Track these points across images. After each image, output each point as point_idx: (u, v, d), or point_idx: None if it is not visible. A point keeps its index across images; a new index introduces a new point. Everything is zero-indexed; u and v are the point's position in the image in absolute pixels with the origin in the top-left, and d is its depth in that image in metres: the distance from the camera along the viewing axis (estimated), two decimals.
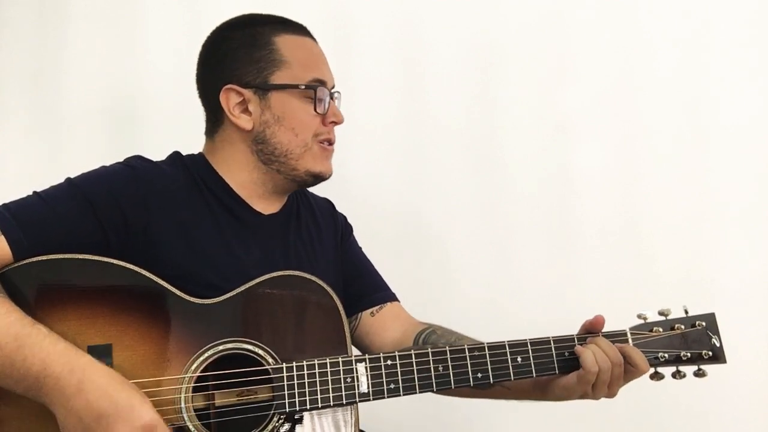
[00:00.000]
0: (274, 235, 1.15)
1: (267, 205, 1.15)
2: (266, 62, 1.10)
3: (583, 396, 1.01)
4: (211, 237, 1.07)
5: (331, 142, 1.15)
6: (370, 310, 1.21)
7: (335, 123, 1.15)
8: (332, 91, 1.16)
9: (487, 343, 1.02)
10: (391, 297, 1.24)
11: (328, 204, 1.30)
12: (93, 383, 0.85)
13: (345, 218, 1.30)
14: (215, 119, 1.14)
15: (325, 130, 1.13)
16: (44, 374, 0.85)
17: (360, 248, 1.30)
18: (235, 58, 1.11)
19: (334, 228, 1.25)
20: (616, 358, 0.99)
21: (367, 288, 1.23)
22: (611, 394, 1.01)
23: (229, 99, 1.10)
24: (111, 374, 0.87)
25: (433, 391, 0.99)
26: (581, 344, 1.02)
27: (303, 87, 1.10)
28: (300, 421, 0.96)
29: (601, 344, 1.00)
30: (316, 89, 1.10)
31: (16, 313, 0.88)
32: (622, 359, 0.99)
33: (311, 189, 1.26)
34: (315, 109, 1.10)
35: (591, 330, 1.04)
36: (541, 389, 1.06)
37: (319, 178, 1.14)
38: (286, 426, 0.95)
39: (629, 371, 1.00)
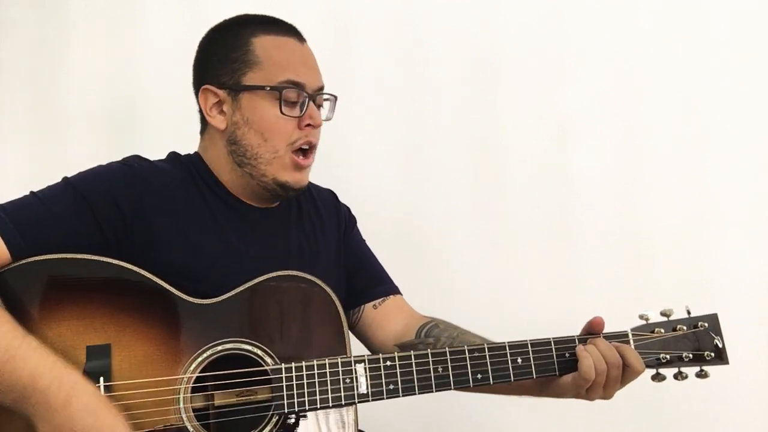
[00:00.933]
0: (274, 229, 1.14)
1: (260, 204, 1.15)
2: (240, 63, 1.09)
3: (577, 396, 1.01)
4: (210, 233, 1.07)
5: (310, 146, 1.11)
6: (372, 303, 1.20)
7: (311, 126, 1.11)
8: (319, 93, 1.13)
9: (487, 344, 1.01)
10: (394, 290, 1.23)
11: (331, 195, 1.29)
12: (80, 400, 0.84)
13: (348, 210, 1.29)
14: (202, 118, 1.15)
15: (301, 134, 1.09)
16: (32, 387, 0.84)
17: (363, 240, 1.28)
18: (216, 59, 1.11)
19: (337, 219, 1.24)
20: (614, 359, 0.98)
21: (370, 280, 1.22)
22: (607, 396, 1.00)
23: (207, 99, 1.11)
24: (98, 395, 0.87)
25: (432, 392, 0.98)
26: (582, 345, 1.01)
27: (269, 88, 1.07)
28: (299, 421, 0.96)
29: (600, 346, 0.99)
30: (281, 91, 1.07)
31: (8, 324, 0.87)
32: (621, 361, 0.98)
33: (314, 182, 1.25)
34: (281, 111, 1.07)
35: (591, 331, 1.03)
36: (539, 387, 1.05)
37: (286, 188, 1.11)
38: (285, 426, 0.95)
39: (625, 372, 0.99)
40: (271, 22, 1.14)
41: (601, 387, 0.98)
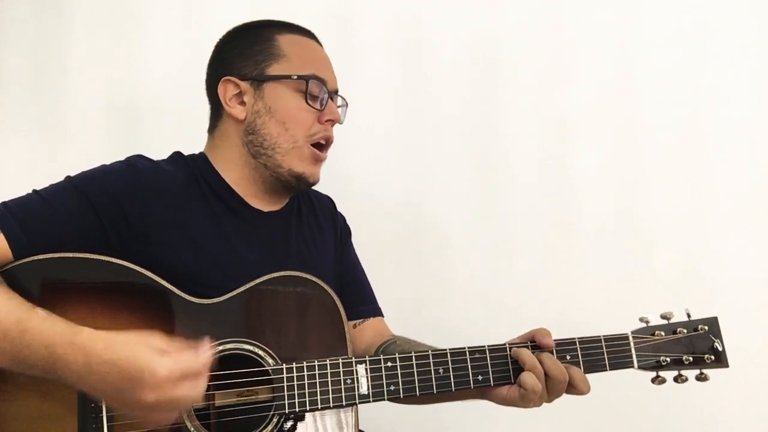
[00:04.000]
0: (275, 233, 1.14)
1: (265, 204, 1.15)
2: (264, 55, 1.12)
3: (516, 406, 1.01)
4: (211, 235, 1.07)
5: (327, 141, 1.14)
6: (353, 323, 1.20)
7: (332, 122, 1.14)
8: (335, 94, 1.16)
9: (488, 346, 1.01)
10: (376, 312, 1.24)
11: (329, 202, 1.30)
12: (98, 359, 0.83)
13: (344, 219, 1.30)
14: (216, 114, 1.16)
15: (320, 128, 1.12)
16: (53, 358, 0.84)
17: (356, 255, 1.29)
18: (237, 53, 1.13)
19: (333, 226, 1.26)
20: (561, 376, 0.97)
21: (355, 298, 1.22)
22: (549, 401, 1.00)
23: (227, 90, 1.12)
24: (112, 341, 0.83)
25: (433, 394, 0.98)
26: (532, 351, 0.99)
27: (296, 77, 1.10)
28: (300, 421, 0.96)
29: (545, 362, 0.97)
30: (308, 81, 1.10)
31: (15, 299, 0.88)
32: (567, 379, 0.97)
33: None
34: (307, 102, 1.10)
35: (536, 340, 1.01)
36: (481, 393, 1.04)
37: (301, 180, 1.12)
38: (286, 426, 0.95)
39: (570, 390, 0.99)
40: (293, 25, 1.17)
41: (542, 400, 0.98)
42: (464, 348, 1.00)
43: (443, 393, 0.99)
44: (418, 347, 1.13)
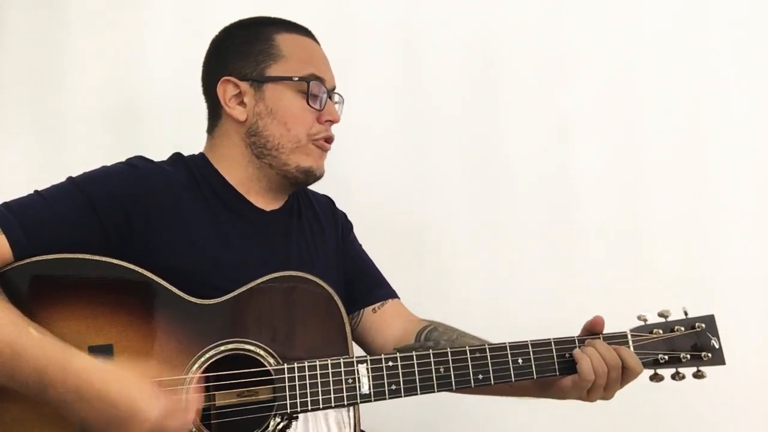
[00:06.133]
0: (275, 232, 1.15)
1: (267, 202, 1.15)
2: (264, 55, 1.12)
3: (579, 398, 1.01)
4: (212, 236, 1.07)
5: (328, 141, 1.15)
6: (372, 307, 1.21)
7: (331, 122, 1.15)
8: (332, 92, 1.17)
9: (488, 344, 1.02)
10: (393, 294, 1.25)
11: (328, 201, 1.30)
12: (91, 388, 0.83)
13: (345, 215, 1.31)
14: (214, 114, 1.16)
15: (321, 128, 1.13)
16: (43, 383, 0.83)
17: (360, 245, 1.30)
18: (236, 52, 1.13)
19: (334, 225, 1.26)
20: (614, 361, 0.99)
21: (368, 285, 1.23)
22: (607, 396, 1.01)
23: (226, 90, 1.12)
24: (107, 375, 0.84)
25: (434, 392, 0.99)
26: (580, 347, 1.02)
27: (296, 79, 1.10)
28: (301, 421, 0.96)
29: (599, 348, 1.00)
30: (309, 82, 1.11)
31: (11, 315, 0.86)
32: (620, 363, 0.99)
33: (311, 187, 1.26)
34: (308, 103, 1.11)
35: (591, 331, 1.04)
36: (540, 388, 1.06)
37: (309, 174, 1.14)
38: (287, 426, 0.95)
39: (624, 373, 1.00)
40: (290, 23, 1.17)
41: (602, 388, 0.99)
42: (465, 347, 1.00)
43: (481, 386, 0.99)
44: (464, 337, 1.13)
